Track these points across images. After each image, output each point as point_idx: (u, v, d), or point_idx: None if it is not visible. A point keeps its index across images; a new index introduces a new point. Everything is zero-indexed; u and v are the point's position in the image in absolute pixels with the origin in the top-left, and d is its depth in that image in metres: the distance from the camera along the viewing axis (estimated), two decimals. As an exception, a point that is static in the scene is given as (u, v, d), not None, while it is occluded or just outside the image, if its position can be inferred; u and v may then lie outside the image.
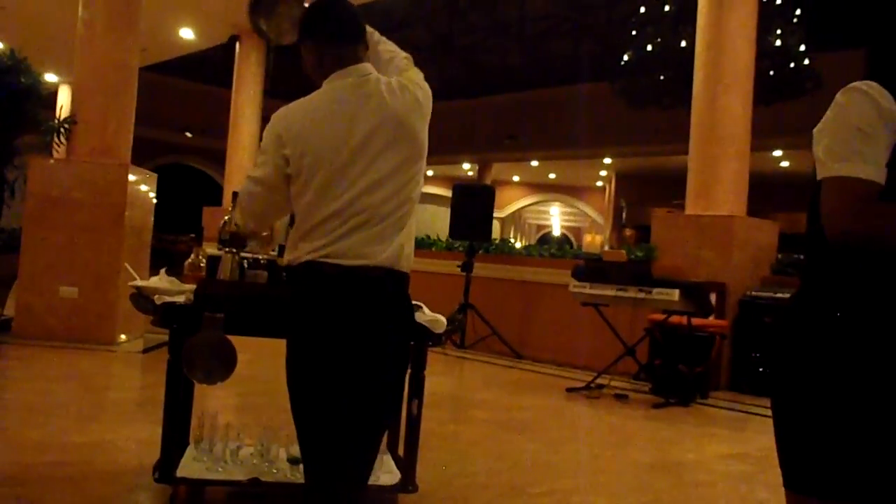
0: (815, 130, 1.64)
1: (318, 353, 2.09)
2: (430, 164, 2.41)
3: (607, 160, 20.44)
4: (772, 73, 10.32)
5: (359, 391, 2.09)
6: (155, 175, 8.46)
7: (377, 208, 2.10)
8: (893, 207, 1.49)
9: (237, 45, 12.81)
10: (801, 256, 2.15)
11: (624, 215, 14.61)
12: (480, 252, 9.29)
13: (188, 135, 20.65)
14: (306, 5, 2.50)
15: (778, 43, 10.41)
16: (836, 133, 1.57)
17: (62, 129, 7.61)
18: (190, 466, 3.12)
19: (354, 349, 2.08)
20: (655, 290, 6.40)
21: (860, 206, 1.50)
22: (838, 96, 1.61)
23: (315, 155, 2.11)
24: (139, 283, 3.12)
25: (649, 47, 10.90)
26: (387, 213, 2.12)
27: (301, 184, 2.13)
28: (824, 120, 1.62)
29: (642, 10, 11.28)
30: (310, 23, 2.27)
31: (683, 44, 9.73)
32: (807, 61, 10.77)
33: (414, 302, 2.43)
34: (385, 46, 2.50)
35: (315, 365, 2.09)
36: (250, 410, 5.02)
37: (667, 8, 10.79)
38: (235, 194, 2.44)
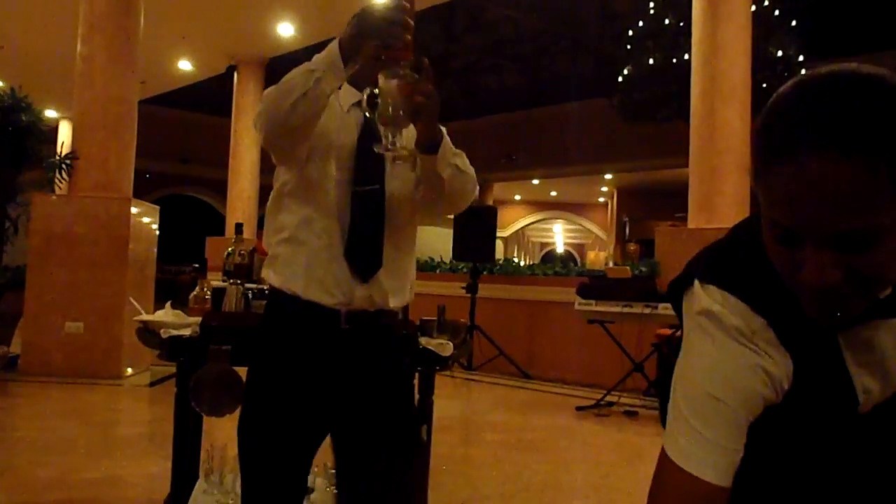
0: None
1: None
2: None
3: (608, 176, 20.46)
4: (769, 83, 10.35)
5: None
6: (157, 207, 8.48)
7: None
8: None
9: (235, 74, 12.89)
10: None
11: (627, 230, 14.59)
12: (484, 273, 9.28)
13: (188, 165, 20.73)
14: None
15: (778, 53, 10.46)
16: (685, 389, 1.10)
17: (64, 165, 7.65)
18: (200, 500, 3.09)
19: None
20: (661, 305, 6.38)
21: None
22: (687, 323, 1.13)
23: None
24: (145, 317, 3.11)
25: (651, 61, 10.95)
26: None
27: None
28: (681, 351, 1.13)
29: (641, 23, 11.35)
30: None
31: (687, 57, 9.78)
32: (804, 71, 10.81)
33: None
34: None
35: None
36: (259, 440, 4.99)
37: (667, 21, 10.86)
38: (239, 225, 2.42)
